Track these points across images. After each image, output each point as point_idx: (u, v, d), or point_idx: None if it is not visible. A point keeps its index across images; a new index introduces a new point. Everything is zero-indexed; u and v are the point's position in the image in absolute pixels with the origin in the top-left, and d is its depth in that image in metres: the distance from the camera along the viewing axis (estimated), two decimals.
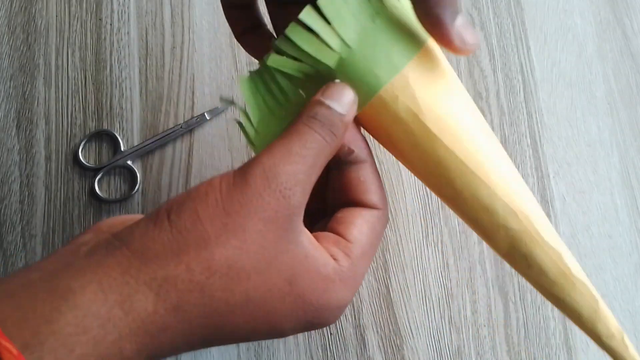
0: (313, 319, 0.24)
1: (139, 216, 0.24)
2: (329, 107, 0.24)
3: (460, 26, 0.24)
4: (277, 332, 0.24)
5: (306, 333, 0.38)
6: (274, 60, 0.25)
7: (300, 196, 0.23)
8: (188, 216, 0.22)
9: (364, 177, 0.27)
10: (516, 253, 0.26)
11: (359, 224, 0.26)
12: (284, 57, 0.25)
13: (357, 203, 0.26)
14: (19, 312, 0.20)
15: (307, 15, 0.24)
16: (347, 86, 0.25)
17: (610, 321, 0.26)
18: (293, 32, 0.25)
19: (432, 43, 0.26)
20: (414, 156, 0.26)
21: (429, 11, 0.24)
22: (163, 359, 0.22)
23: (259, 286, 0.22)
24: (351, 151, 0.26)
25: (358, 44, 0.25)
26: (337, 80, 0.25)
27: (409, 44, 0.25)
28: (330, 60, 0.25)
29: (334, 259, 0.24)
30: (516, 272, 0.40)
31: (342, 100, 0.25)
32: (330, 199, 0.28)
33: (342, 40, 0.25)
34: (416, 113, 0.25)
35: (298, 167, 0.23)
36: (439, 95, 0.26)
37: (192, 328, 0.22)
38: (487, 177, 0.25)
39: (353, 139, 0.26)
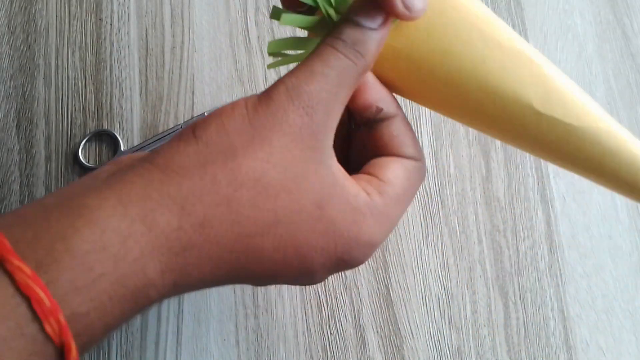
0: (343, 254, 0.23)
1: None
2: (356, 24, 0.23)
3: None
4: (306, 267, 0.22)
5: (306, 332, 0.38)
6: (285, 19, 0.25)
7: (323, 114, 0.22)
8: (214, 129, 0.21)
9: (396, 132, 0.25)
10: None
11: (394, 168, 0.25)
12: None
13: (392, 154, 0.25)
14: (31, 231, 0.19)
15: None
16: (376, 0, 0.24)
17: None
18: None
19: None
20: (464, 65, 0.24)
21: None
22: (190, 291, 0.21)
23: (288, 206, 0.21)
24: (380, 109, 0.25)
25: None
26: None
27: None
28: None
29: (366, 193, 0.23)
30: (516, 272, 0.40)
31: (372, 14, 0.23)
32: (355, 161, 0.27)
33: None
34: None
35: (320, 86, 0.22)
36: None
37: (220, 251, 0.20)
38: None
39: (379, 96, 0.25)
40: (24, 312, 0.17)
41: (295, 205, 0.21)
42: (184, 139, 0.21)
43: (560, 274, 0.40)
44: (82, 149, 0.41)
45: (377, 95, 0.25)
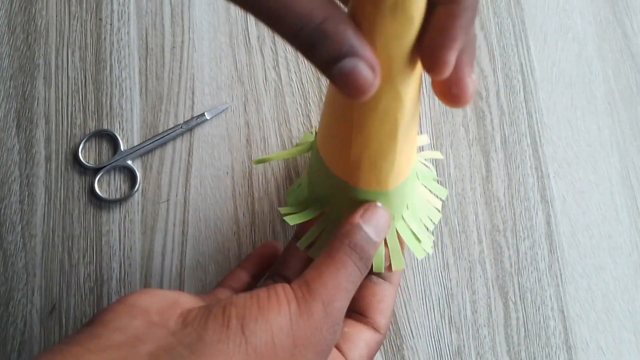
0: None
1: (178, 294, 0.24)
2: (366, 234, 0.26)
3: (334, 77, 0.20)
4: None
5: None
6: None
7: (340, 328, 0.25)
8: (263, 337, 0.22)
9: (383, 297, 0.29)
10: None
11: (360, 347, 0.28)
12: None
13: (366, 316, 0.29)
14: None
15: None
16: (385, 211, 0.27)
17: None
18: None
19: None
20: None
21: (459, 69, 0.22)
22: None
23: None
24: (389, 268, 0.29)
25: None
26: (379, 204, 0.27)
27: None
28: None
29: None
30: (516, 272, 0.40)
31: (379, 226, 0.27)
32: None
33: None
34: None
35: (345, 303, 0.25)
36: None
37: None
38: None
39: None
40: None
41: None
42: (233, 338, 0.21)
43: (560, 274, 0.40)
44: (82, 149, 0.41)
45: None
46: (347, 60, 0.20)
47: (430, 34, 0.20)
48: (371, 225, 0.27)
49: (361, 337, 0.28)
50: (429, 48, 0.20)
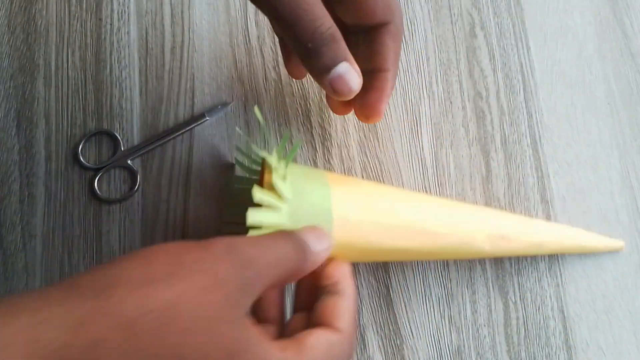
0: None
1: None
2: (305, 241, 0.26)
3: (332, 79, 0.27)
4: None
5: None
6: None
7: (254, 275, 0.23)
8: (141, 256, 0.22)
9: (338, 307, 0.27)
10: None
11: (318, 336, 0.26)
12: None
13: (323, 324, 0.27)
14: None
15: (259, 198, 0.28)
16: (325, 234, 0.28)
17: None
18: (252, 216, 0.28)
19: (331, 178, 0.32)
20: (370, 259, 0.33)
21: (308, 68, 0.28)
22: None
23: (195, 348, 0.20)
24: (337, 284, 0.28)
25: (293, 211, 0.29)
26: (319, 226, 0.29)
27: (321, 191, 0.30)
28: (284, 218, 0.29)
29: (281, 350, 0.24)
30: (516, 272, 0.40)
31: (320, 243, 0.27)
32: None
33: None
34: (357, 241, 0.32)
35: (260, 254, 0.23)
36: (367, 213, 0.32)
37: None
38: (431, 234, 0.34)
39: (342, 276, 0.28)
40: None
41: (203, 349, 0.21)
42: (110, 262, 0.21)
43: (560, 274, 0.40)
44: (82, 149, 0.41)
45: (340, 273, 0.29)
46: (344, 64, 0.26)
47: (368, 94, 0.30)
48: (309, 238, 0.27)
49: (317, 331, 0.26)
50: (367, 105, 0.30)
